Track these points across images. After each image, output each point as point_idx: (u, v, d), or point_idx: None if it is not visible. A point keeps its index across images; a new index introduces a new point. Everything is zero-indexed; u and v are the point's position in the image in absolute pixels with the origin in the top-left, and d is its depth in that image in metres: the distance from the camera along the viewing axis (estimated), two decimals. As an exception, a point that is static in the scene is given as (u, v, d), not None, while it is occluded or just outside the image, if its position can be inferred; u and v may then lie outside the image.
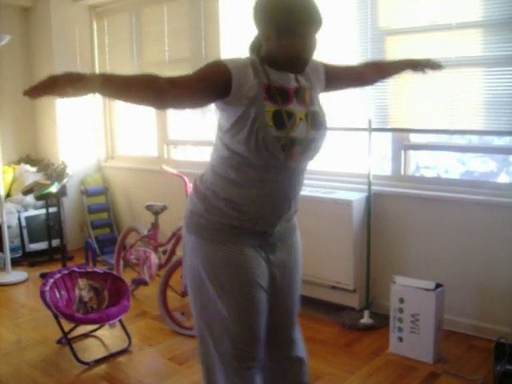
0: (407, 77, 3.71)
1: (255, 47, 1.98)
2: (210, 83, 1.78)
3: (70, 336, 3.52)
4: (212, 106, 1.92)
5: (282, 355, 2.18)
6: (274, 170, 1.90)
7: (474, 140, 3.78)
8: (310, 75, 2.03)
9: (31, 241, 5.62)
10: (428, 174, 4.09)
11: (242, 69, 1.82)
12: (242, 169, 1.89)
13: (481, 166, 3.96)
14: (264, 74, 1.86)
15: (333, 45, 3.99)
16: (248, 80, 1.81)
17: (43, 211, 5.55)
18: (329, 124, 2.02)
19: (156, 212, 4.34)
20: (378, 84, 3.80)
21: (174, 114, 5.44)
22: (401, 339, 3.35)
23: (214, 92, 1.78)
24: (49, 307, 3.32)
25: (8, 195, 5.57)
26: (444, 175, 4.00)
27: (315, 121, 1.95)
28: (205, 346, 2.11)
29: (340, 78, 2.23)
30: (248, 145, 1.81)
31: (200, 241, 1.97)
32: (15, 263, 5.31)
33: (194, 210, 2.01)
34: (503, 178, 3.78)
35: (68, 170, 5.31)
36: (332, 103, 4.02)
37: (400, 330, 3.34)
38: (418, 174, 4.02)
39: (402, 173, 3.94)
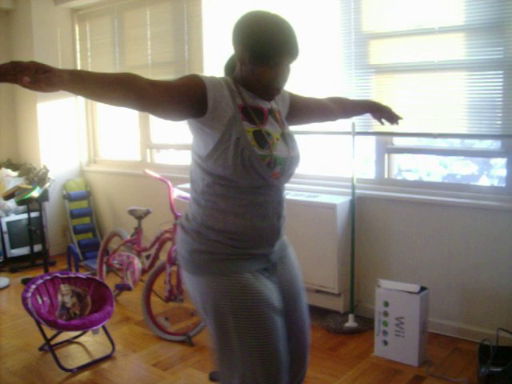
0: (390, 80, 3.75)
1: (230, 67, 1.98)
2: (187, 91, 1.74)
3: (52, 343, 3.48)
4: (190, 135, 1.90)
5: (298, 369, 2.10)
6: (262, 191, 1.88)
7: (456, 143, 3.81)
8: (278, 101, 2.04)
9: (12, 246, 5.56)
10: (410, 177, 4.10)
11: (217, 87, 1.79)
12: (230, 195, 1.85)
13: (462, 168, 3.99)
14: (238, 95, 1.85)
15: (316, 49, 4.01)
16: (223, 99, 1.79)
17: (25, 216, 5.50)
18: (300, 149, 2.02)
19: (139, 216, 4.31)
20: (362, 88, 3.85)
21: (157, 118, 5.41)
22: (386, 342, 3.35)
23: (191, 103, 1.74)
24: (31, 313, 3.28)
25: (-11, 200, 5.50)
26: (426, 178, 4.02)
27: (290, 140, 1.96)
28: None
29: (306, 110, 2.22)
30: (234, 166, 1.78)
31: (206, 278, 1.88)
32: (-4, 269, 5.26)
33: (190, 249, 1.91)
34: (484, 181, 3.81)
35: (50, 175, 5.26)
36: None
37: (385, 333, 3.35)
38: (400, 178, 4.04)
39: (386, 176, 3.95)
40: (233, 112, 1.80)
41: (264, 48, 1.77)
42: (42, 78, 1.41)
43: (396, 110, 2.52)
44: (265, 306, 1.87)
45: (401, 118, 2.54)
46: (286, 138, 1.95)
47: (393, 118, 2.52)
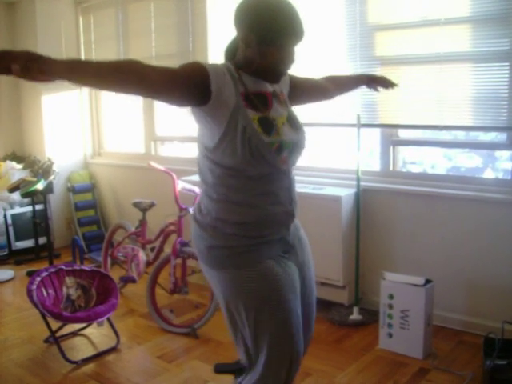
0: (395, 73, 3.73)
1: (230, 52, 1.95)
2: (190, 77, 1.72)
3: (57, 335, 3.49)
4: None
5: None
6: (271, 178, 1.88)
7: (461, 135, 3.79)
8: (281, 84, 2.02)
9: (17, 239, 5.57)
10: (414, 169, 4.09)
11: (220, 74, 1.78)
12: (240, 186, 1.85)
13: (467, 161, 3.97)
14: (240, 81, 1.83)
15: (321, 40, 3.99)
16: (226, 86, 1.77)
17: (29, 209, 5.51)
18: (304, 128, 2.02)
19: (144, 209, 4.31)
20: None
21: (161, 110, 5.41)
22: (390, 335, 3.35)
23: (193, 89, 1.73)
24: (36, 306, 3.29)
25: (-7, 193, 5.52)
26: (430, 171, 4.00)
27: (296, 122, 1.96)
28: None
29: (305, 90, 2.22)
30: (243, 155, 1.77)
31: (227, 271, 1.88)
32: (1, 262, 5.28)
33: (209, 245, 1.91)
34: (489, 174, 3.79)
35: (54, 167, 5.26)
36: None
37: (390, 325, 3.34)
38: (404, 170, 4.02)
39: (391, 168, 3.94)
40: (236, 100, 1.78)
41: (271, 29, 1.75)
42: (32, 66, 1.39)
43: (391, 78, 2.59)
44: (288, 291, 1.90)
45: (396, 85, 2.60)
46: (292, 121, 1.95)
47: (388, 84, 2.58)
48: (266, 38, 1.77)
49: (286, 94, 2.06)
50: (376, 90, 2.61)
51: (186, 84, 1.72)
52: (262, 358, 1.91)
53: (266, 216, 1.89)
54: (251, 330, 1.89)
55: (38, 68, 1.40)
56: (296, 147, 1.93)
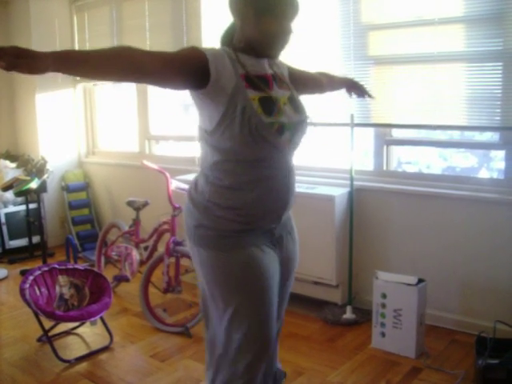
0: (389, 72, 3.74)
1: (227, 38, 1.96)
2: (187, 61, 1.73)
3: (50, 334, 3.48)
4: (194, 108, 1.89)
5: None
6: (269, 163, 1.88)
7: (456, 135, 3.79)
8: (279, 67, 2.04)
9: (11, 237, 5.56)
10: (409, 169, 4.10)
11: (219, 57, 1.79)
12: (236, 172, 1.85)
13: (462, 161, 3.98)
14: (239, 63, 1.84)
15: (315, 40, 3.99)
16: (225, 69, 1.78)
17: (23, 207, 5.49)
18: (307, 112, 2.02)
19: (137, 208, 4.31)
20: (361, 79, 3.83)
21: (156, 109, 5.41)
22: (383, 334, 3.36)
23: (191, 73, 1.73)
24: (29, 305, 3.28)
25: (-13, 191, 5.50)
26: (426, 170, 4.01)
27: (297, 105, 1.96)
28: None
29: (302, 80, 2.23)
30: (242, 136, 1.77)
31: (211, 252, 1.91)
32: (-5, 260, 5.26)
33: (197, 224, 1.94)
34: (484, 174, 3.80)
35: (48, 166, 5.25)
36: (314, 98, 4.03)
37: (382, 325, 3.35)
38: (399, 170, 4.03)
39: (385, 168, 3.94)
40: (235, 81, 1.79)
41: None
42: (21, 63, 1.37)
43: (369, 91, 2.72)
44: (269, 278, 1.93)
45: (371, 97, 2.71)
46: (294, 102, 1.95)
47: (363, 93, 2.68)
48: (263, 8, 1.79)
49: (287, 77, 2.08)
50: (350, 95, 2.70)
51: (184, 69, 1.72)
52: (233, 344, 1.93)
53: (258, 202, 1.90)
54: (226, 312, 1.92)
55: (27, 65, 1.38)
56: (299, 128, 1.93)
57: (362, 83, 2.69)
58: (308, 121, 2.00)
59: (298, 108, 1.96)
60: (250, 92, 1.80)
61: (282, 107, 1.87)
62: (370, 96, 2.68)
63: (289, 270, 2.14)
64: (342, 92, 2.74)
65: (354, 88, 2.66)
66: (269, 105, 1.82)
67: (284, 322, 2.28)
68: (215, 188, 1.89)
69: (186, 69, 1.72)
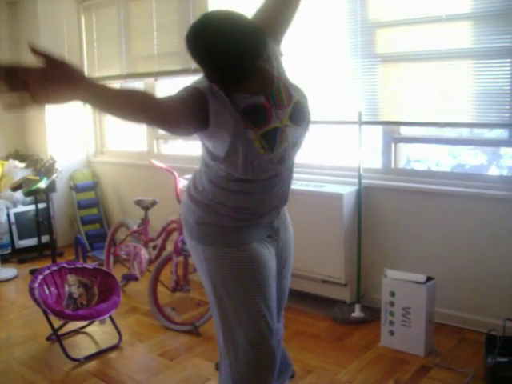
0: (396, 69, 3.73)
1: None
2: (192, 106, 1.70)
3: (59, 332, 3.49)
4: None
5: None
6: (271, 177, 1.92)
7: (465, 133, 3.78)
8: (271, 55, 1.86)
9: (20, 237, 5.58)
10: (419, 167, 4.08)
11: (217, 96, 1.73)
12: (240, 184, 1.89)
13: (471, 158, 3.96)
14: (236, 98, 1.77)
15: (323, 38, 3.98)
16: (224, 108, 1.73)
17: (32, 207, 5.51)
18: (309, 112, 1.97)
19: (146, 207, 4.32)
20: (369, 77, 3.82)
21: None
22: (392, 333, 3.35)
23: (195, 117, 1.71)
24: (38, 304, 3.29)
25: (-4, 191, 5.53)
26: (435, 168, 3.99)
27: (298, 115, 1.90)
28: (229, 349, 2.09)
29: (275, 16, 1.98)
30: (245, 173, 1.81)
31: (216, 248, 1.95)
32: (4, 260, 5.28)
33: (200, 221, 1.97)
34: (493, 171, 3.78)
35: (57, 166, 5.26)
36: (322, 97, 4.03)
37: (391, 323, 3.34)
38: (408, 167, 4.01)
39: (393, 166, 3.93)
40: (235, 120, 1.74)
41: (231, 70, 1.67)
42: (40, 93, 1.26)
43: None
44: (269, 274, 2.00)
45: None
46: (295, 113, 1.88)
47: None
48: (231, 82, 1.72)
49: (277, 47, 1.93)
50: None
51: (190, 113, 1.70)
52: (239, 338, 2.00)
53: (261, 202, 1.96)
54: (229, 306, 1.98)
55: (70, 94, 1.33)
56: (301, 138, 1.94)
57: None
58: (308, 124, 1.95)
59: (298, 120, 1.89)
60: (249, 133, 1.77)
61: (284, 133, 1.84)
62: None
63: (283, 260, 2.16)
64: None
65: None
66: (271, 138, 1.80)
67: (283, 328, 2.33)
68: (220, 189, 1.92)
69: (192, 112, 1.70)
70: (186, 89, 1.76)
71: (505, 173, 3.72)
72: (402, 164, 3.97)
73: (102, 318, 3.43)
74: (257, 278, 1.95)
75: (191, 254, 2.11)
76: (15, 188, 4.99)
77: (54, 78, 1.26)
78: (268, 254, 2.01)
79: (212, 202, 1.93)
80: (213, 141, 1.79)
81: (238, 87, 1.75)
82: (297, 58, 1.94)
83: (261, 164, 1.79)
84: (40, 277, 3.45)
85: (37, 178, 4.99)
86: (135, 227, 4.42)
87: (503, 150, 3.74)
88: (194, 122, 1.72)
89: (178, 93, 1.74)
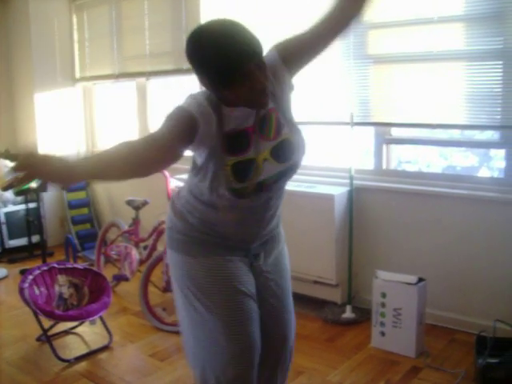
0: (388, 70, 3.73)
1: None
2: (181, 135, 1.67)
3: (49, 333, 3.47)
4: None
5: (277, 354, 2.13)
6: (249, 200, 1.83)
7: (456, 134, 3.79)
8: (272, 84, 1.80)
9: (11, 237, 5.55)
10: (410, 168, 4.09)
11: (207, 118, 1.69)
12: (213, 199, 1.82)
13: (462, 160, 3.97)
14: (224, 119, 1.73)
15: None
16: (210, 130, 1.70)
17: (23, 207, 5.49)
18: (306, 142, 1.88)
19: (137, 207, 4.31)
20: (360, 78, 3.82)
21: (155, 107, 5.40)
22: (383, 334, 3.35)
23: (186, 142, 1.69)
24: (28, 304, 3.28)
25: (-14, 191, 5.49)
26: (426, 170, 4.00)
27: (282, 153, 1.81)
28: (197, 359, 2.01)
29: (301, 52, 1.90)
30: (210, 196, 1.79)
31: (180, 255, 1.93)
32: (-6, 260, 5.25)
33: (171, 226, 1.97)
34: (484, 173, 3.80)
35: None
36: (314, 97, 4.03)
37: (382, 324, 3.34)
38: (399, 169, 4.02)
39: (384, 167, 3.94)
40: (215, 142, 1.72)
41: (222, 69, 1.60)
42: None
43: None
44: (238, 286, 1.88)
45: None
46: (280, 149, 1.81)
47: None
48: (223, 81, 1.64)
49: (284, 89, 1.85)
50: None
51: (180, 143, 1.69)
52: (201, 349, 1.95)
53: (230, 226, 1.90)
54: (195, 316, 1.92)
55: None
56: (281, 176, 1.84)
57: None
58: (300, 158, 1.87)
59: (283, 157, 1.81)
60: (224, 157, 1.73)
61: (260, 166, 1.78)
62: None
63: (267, 289, 2.02)
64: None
65: None
66: (243, 170, 1.75)
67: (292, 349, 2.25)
68: (193, 198, 1.89)
69: (182, 141, 1.69)
70: (176, 113, 1.70)
71: (495, 174, 3.73)
72: (393, 165, 3.98)
73: (92, 318, 3.41)
74: (223, 290, 1.87)
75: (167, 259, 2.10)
76: (6, 187, 4.95)
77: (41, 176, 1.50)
78: (234, 268, 1.89)
79: (184, 208, 1.92)
80: (196, 148, 1.77)
81: (229, 92, 1.67)
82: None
83: (230, 190, 1.74)
84: (30, 277, 3.43)
85: (27, 177, 4.95)
86: (126, 227, 4.41)
87: (493, 152, 3.76)
88: (183, 145, 1.71)
89: (167, 121, 1.69)
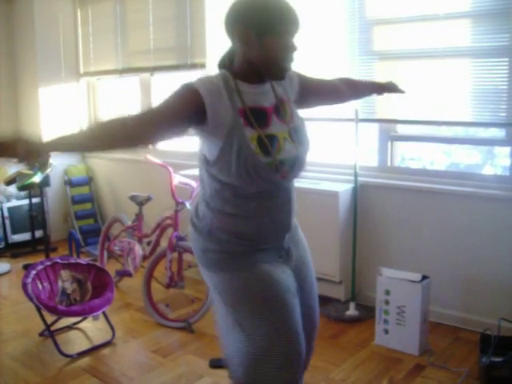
0: (393, 67, 3.71)
1: (225, 63, 1.87)
2: (183, 111, 1.70)
3: (52, 328, 3.47)
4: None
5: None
6: (269, 194, 1.86)
7: (460, 132, 3.77)
8: (286, 86, 1.95)
9: (14, 232, 5.56)
10: (414, 165, 4.07)
11: (215, 94, 1.73)
12: (236, 202, 1.84)
13: (466, 157, 3.96)
14: (238, 95, 1.78)
15: (320, 34, 3.97)
16: (222, 104, 1.73)
17: (26, 202, 5.49)
18: (311, 138, 1.96)
19: (140, 203, 4.30)
20: (366, 74, 3.81)
21: (159, 103, 5.38)
22: (386, 331, 3.34)
23: (188, 120, 1.72)
24: (31, 299, 3.27)
25: (-10, 185, 5.49)
26: (430, 167, 3.99)
27: (298, 137, 1.89)
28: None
29: (315, 91, 2.13)
30: (239, 175, 1.75)
31: (224, 274, 1.89)
32: (-3, 255, 5.26)
33: (205, 248, 1.92)
34: (488, 170, 3.78)
35: (51, 160, 5.22)
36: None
37: (386, 321, 3.33)
38: (403, 166, 4.00)
39: (389, 164, 3.92)
40: (233, 118, 1.74)
41: (268, 16, 1.72)
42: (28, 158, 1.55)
43: (400, 86, 2.54)
44: (285, 291, 1.88)
45: (403, 92, 2.54)
46: (295, 134, 1.88)
47: (397, 90, 2.52)
48: (265, 27, 1.72)
49: (293, 98, 1.98)
50: (381, 94, 2.55)
51: (180, 119, 1.71)
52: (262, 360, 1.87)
53: (260, 228, 1.89)
54: (248, 331, 1.87)
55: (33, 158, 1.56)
56: (297, 162, 1.88)
57: (390, 80, 2.52)
58: (308, 151, 1.94)
59: (299, 140, 1.89)
60: (247, 131, 1.76)
61: (281, 143, 1.82)
62: (402, 91, 2.52)
63: (301, 278, 2.03)
64: (371, 103, 2.65)
65: (385, 90, 2.49)
66: (268, 143, 1.78)
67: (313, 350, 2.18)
68: (217, 214, 1.88)
69: (183, 116, 1.71)
70: (180, 90, 1.75)
71: (499, 172, 3.72)
72: (397, 162, 3.96)
73: (95, 314, 3.40)
74: (271, 300, 1.85)
75: (205, 281, 2.02)
76: (9, 182, 4.94)
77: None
78: (280, 273, 1.91)
79: (212, 228, 1.89)
80: (210, 135, 1.76)
81: (268, 40, 1.74)
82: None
83: (256, 166, 1.74)
84: (33, 272, 3.43)
85: (31, 172, 4.94)
86: (129, 223, 4.40)
87: (497, 150, 3.74)
88: (187, 122, 1.72)
89: (169, 97, 1.74)
